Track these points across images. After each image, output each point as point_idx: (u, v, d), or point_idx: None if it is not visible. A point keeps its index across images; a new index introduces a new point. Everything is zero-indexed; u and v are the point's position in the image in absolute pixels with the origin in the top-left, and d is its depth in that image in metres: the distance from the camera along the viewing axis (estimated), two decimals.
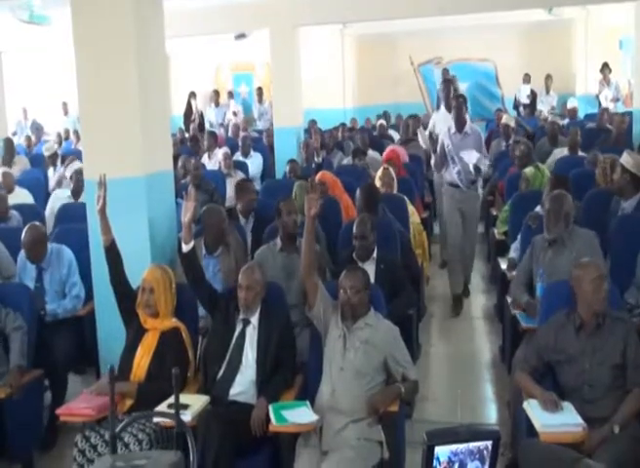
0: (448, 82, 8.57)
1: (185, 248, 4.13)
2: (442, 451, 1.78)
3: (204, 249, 4.97)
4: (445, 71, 13.78)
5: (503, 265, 5.43)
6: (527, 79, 13.73)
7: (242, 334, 3.89)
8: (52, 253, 5.05)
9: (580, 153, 7.83)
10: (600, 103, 12.39)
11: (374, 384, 3.65)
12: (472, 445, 1.80)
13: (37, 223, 5.26)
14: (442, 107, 8.00)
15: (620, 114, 9.30)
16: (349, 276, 3.77)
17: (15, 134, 13.05)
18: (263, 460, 3.61)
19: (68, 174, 7.34)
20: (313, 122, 11.65)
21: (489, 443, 1.82)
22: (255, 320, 3.92)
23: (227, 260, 4.92)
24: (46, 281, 5.02)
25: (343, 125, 11.74)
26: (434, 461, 1.77)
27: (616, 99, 12.21)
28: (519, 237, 5.45)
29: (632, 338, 3.48)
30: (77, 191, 7.00)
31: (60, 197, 7.25)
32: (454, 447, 1.79)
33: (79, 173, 6.97)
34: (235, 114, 14.38)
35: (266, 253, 4.83)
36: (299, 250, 4.73)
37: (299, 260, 4.64)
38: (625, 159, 5.31)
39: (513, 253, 5.41)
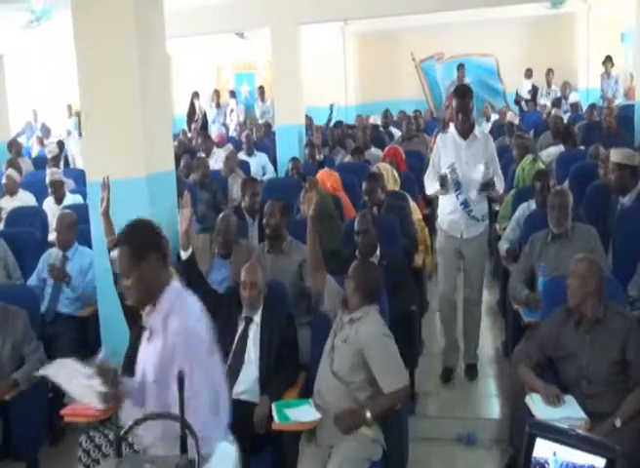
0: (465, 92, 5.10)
1: (184, 254, 4.14)
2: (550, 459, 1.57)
3: (216, 250, 4.97)
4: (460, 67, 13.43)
5: (502, 252, 5.52)
6: (529, 74, 13.74)
7: (245, 332, 3.91)
8: (77, 249, 5.33)
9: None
10: (603, 98, 12.39)
11: (354, 386, 3.55)
12: (582, 458, 1.55)
13: (69, 211, 5.62)
14: (451, 127, 5.17)
15: (608, 108, 9.33)
16: (353, 269, 3.79)
17: (18, 135, 13.07)
18: (268, 458, 3.63)
19: (47, 180, 7.30)
20: (309, 119, 11.59)
21: (601, 461, 1.54)
22: (257, 318, 3.94)
23: (237, 268, 4.89)
24: (67, 271, 5.20)
25: (340, 123, 11.61)
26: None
27: (614, 97, 12.19)
28: (514, 217, 5.65)
29: (633, 336, 3.48)
30: (59, 199, 7.15)
31: (49, 206, 7.19)
32: (558, 447, 1.57)
33: (54, 183, 7.10)
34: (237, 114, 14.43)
35: (259, 255, 4.83)
36: (285, 251, 4.77)
37: (285, 262, 4.69)
38: (617, 156, 5.29)
39: (504, 242, 5.56)
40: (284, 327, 3.94)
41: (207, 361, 2.56)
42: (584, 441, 1.57)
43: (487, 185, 4.95)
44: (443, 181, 4.97)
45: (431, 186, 5.20)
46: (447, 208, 5.14)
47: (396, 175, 6.95)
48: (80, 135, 9.89)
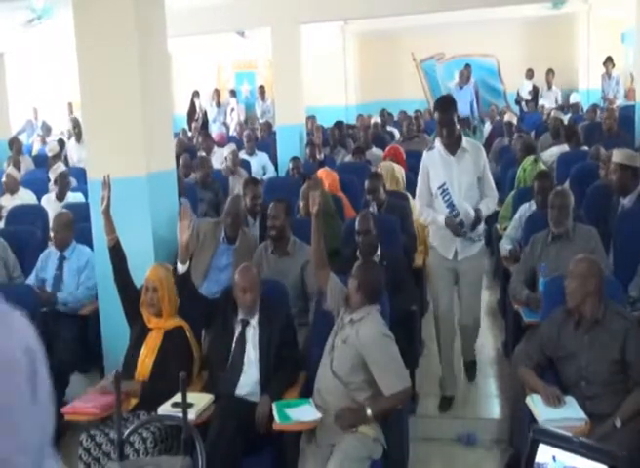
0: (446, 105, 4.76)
1: (182, 268, 4.04)
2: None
3: (224, 234, 5.02)
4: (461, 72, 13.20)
5: (504, 252, 5.51)
6: (529, 75, 13.73)
7: (242, 335, 3.89)
8: (75, 248, 5.30)
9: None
10: (604, 98, 12.40)
11: (353, 386, 3.55)
12: (583, 465, 1.53)
13: (66, 210, 5.62)
14: (437, 143, 4.79)
15: (607, 110, 9.34)
16: (356, 268, 3.79)
17: (19, 133, 13.07)
18: (268, 458, 3.62)
19: (52, 177, 7.32)
20: (312, 118, 11.58)
21: None
22: (254, 320, 3.92)
23: (240, 256, 4.91)
24: (65, 270, 5.23)
25: (341, 123, 11.55)
26: None
27: (614, 97, 12.20)
28: (515, 217, 5.65)
29: (633, 336, 3.47)
30: (62, 193, 7.15)
31: (49, 202, 7.19)
32: (558, 452, 1.55)
33: (63, 176, 7.10)
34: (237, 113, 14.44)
35: (260, 255, 4.83)
36: (289, 253, 4.77)
37: (289, 263, 4.68)
38: (618, 157, 5.28)
39: (507, 243, 5.54)
40: (283, 327, 3.91)
41: (23, 388, 2.24)
42: (588, 447, 1.55)
43: (476, 223, 4.68)
44: (457, 230, 4.63)
45: (427, 216, 4.81)
46: (441, 227, 4.74)
47: (399, 175, 6.92)
48: (77, 141, 9.94)
